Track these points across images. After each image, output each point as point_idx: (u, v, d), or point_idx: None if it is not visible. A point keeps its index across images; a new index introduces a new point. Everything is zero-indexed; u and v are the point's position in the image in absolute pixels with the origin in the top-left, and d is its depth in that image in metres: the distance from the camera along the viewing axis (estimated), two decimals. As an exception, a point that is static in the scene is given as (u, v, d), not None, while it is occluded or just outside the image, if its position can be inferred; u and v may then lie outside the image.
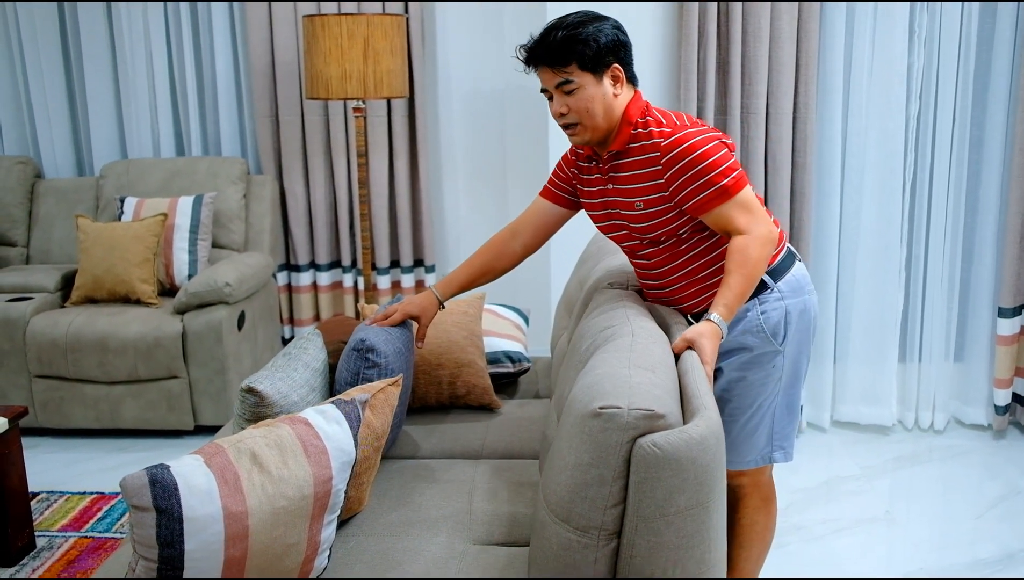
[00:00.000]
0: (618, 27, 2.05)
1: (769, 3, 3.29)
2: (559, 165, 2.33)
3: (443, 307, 2.40)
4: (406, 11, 3.96)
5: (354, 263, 4.25)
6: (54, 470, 3.46)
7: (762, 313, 2.09)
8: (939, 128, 3.48)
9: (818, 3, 3.30)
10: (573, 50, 1.98)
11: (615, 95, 2.05)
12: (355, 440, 1.73)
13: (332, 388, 2.34)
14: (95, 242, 3.73)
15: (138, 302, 3.75)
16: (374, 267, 4.16)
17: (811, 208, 3.45)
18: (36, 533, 2.93)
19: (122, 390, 3.59)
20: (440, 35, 4.13)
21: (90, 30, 4.20)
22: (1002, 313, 3.51)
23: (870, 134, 3.50)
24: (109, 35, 4.22)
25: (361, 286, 4.20)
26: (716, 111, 3.41)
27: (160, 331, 3.52)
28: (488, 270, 2.37)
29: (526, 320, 3.19)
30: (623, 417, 1.50)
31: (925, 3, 3.38)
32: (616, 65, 2.04)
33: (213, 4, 4.12)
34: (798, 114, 3.40)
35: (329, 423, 1.71)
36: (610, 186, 2.14)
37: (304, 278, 4.26)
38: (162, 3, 4.16)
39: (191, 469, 1.51)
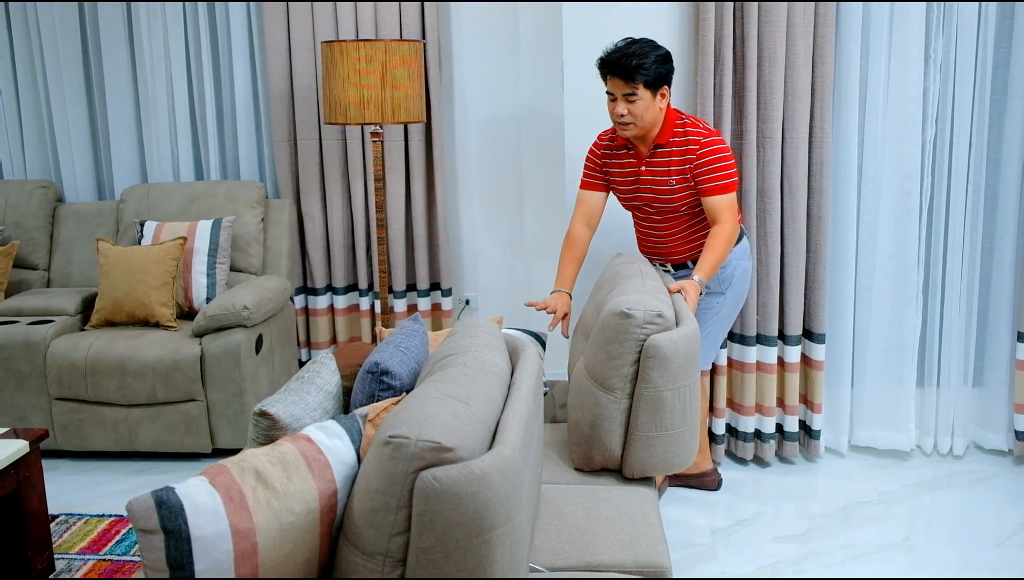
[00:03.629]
0: (669, 58, 2.85)
1: (784, 29, 3.29)
2: (592, 160, 3.13)
3: (570, 298, 3.07)
4: (423, 35, 4.00)
5: (371, 286, 4.28)
6: (73, 492, 3.48)
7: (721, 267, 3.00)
8: (955, 152, 3.48)
9: (833, 29, 3.31)
10: (642, 73, 2.78)
11: (660, 108, 2.88)
12: (357, 453, 1.74)
13: (347, 411, 2.35)
14: (115, 266, 3.77)
15: (157, 325, 3.78)
16: (391, 290, 4.18)
17: (827, 232, 3.45)
18: (55, 556, 2.95)
19: (140, 413, 3.61)
20: (457, 60, 4.17)
21: (111, 56, 4.26)
22: (1022, 338, 3.48)
23: (886, 158, 3.50)
24: (130, 60, 4.29)
25: (378, 309, 4.21)
26: (732, 136, 3.42)
27: (178, 354, 3.55)
28: (582, 260, 3.13)
29: (543, 344, 3.19)
30: (410, 447, 1.52)
31: (943, 3, 3.38)
32: (666, 87, 2.87)
33: (233, 29, 4.18)
34: (814, 139, 3.40)
35: (331, 438, 1.72)
36: (643, 168, 2.97)
37: (321, 301, 4.29)
38: (182, 29, 4.22)
39: (196, 489, 1.52)
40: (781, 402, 3.61)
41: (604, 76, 2.88)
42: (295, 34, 4.04)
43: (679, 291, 2.72)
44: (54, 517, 3.23)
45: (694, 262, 3.05)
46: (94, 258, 4.13)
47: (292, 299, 4.22)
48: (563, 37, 3.48)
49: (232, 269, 4.05)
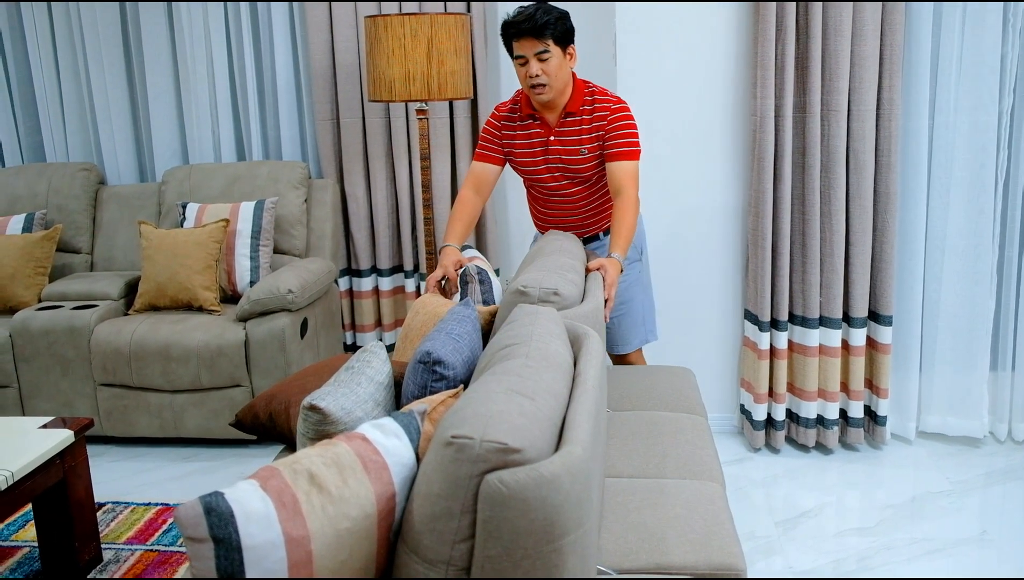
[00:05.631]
0: (569, 17, 2.82)
1: (851, -6, 3.12)
2: (489, 132, 3.03)
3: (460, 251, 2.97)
4: (468, 10, 3.86)
5: (416, 268, 4.17)
6: (119, 479, 3.44)
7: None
8: (1034, 123, 3.28)
9: (904, -7, 3.13)
10: (553, 28, 2.75)
11: (570, 70, 2.87)
12: (416, 453, 1.64)
13: (398, 402, 2.25)
14: (158, 249, 3.70)
15: (200, 309, 3.71)
16: (437, 272, 4.07)
17: (896, 208, 3.27)
18: (102, 546, 2.90)
19: (185, 398, 3.55)
20: (503, 34, 4.02)
21: (152, 36, 4.19)
22: (1103, 319, 3.30)
23: (959, 131, 3.31)
24: (170, 41, 4.21)
25: (424, 291, 4.11)
26: (795, 108, 3.25)
27: (223, 339, 3.48)
28: (472, 223, 3.05)
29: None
30: (474, 449, 1.40)
31: (1019, -10, 3.18)
32: (572, 46, 2.84)
33: (273, 7, 4.08)
34: (882, 111, 3.22)
35: (388, 437, 1.62)
36: (552, 138, 2.92)
37: (366, 283, 4.20)
38: (223, 6, 4.12)
39: (247, 494, 1.43)
40: (845, 387, 3.45)
41: (510, 42, 2.82)
42: (337, 10, 3.92)
43: (599, 269, 2.69)
44: (100, 505, 3.18)
45: (606, 233, 3.08)
46: (136, 241, 4.07)
47: (336, 281, 4.13)
48: (616, 9, 3.33)
49: (275, 251, 3.97)
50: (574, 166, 2.92)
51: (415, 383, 2.11)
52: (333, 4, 3.91)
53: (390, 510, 1.53)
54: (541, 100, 2.85)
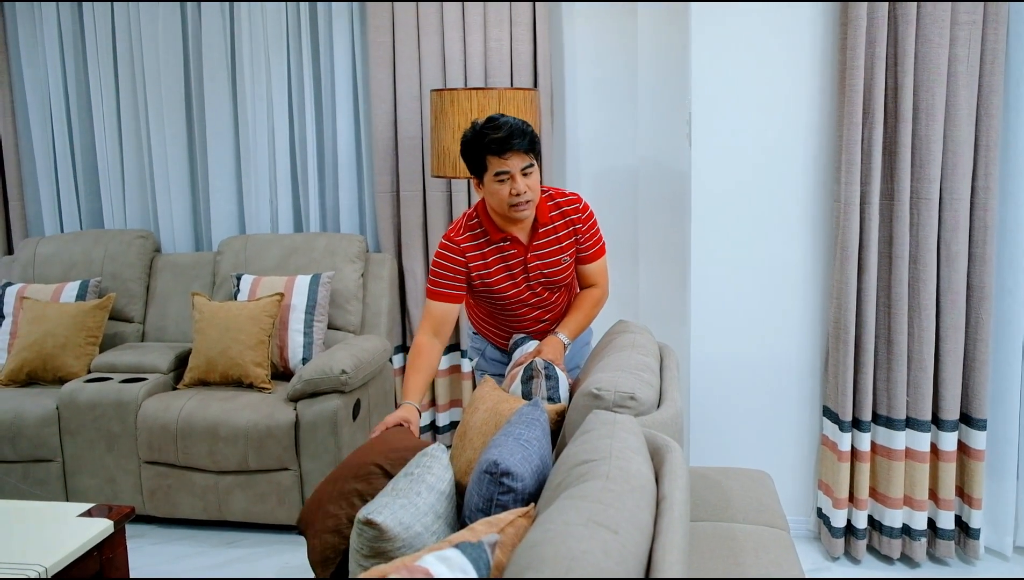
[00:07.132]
0: None
1: (944, 78, 2.94)
2: (449, 268, 2.69)
3: (420, 413, 2.65)
4: (535, 84, 3.76)
5: (473, 347, 4.02)
6: (159, 565, 3.28)
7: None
8: None
9: (1001, 78, 2.94)
10: (535, 144, 2.59)
11: None
12: None
13: (460, 513, 2.07)
14: (210, 322, 3.60)
15: (251, 386, 3.59)
16: (494, 352, 3.91)
17: (990, 304, 3.05)
18: (137, 642, 2.74)
19: (231, 480, 3.41)
20: (569, 110, 3.92)
21: (214, 105, 4.15)
22: None
23: (1060, 222, 3.09)
24: (233, 109, 4.17)
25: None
26: (882, 196, 3.07)
27: (272, 419, 3.34)
28: (433, 373, 2.74)
29: None
30: None
31: None
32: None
33: (337, 77, 4.02)
34: (976, 200, 3.02)
35: (453, 571, 1.44)
36: (530, 254, 2.72)
37: (420, 362, 4.04)
38: (286, 77, 4.08)
39: None
40: (933, 494, 3.19)
41: (484, 158, 2.54)
42: (401, 82, 3.85)
43: (544, 356, 2.59)
44: (138, 594, 3.03)
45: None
46: (189, 312, 3.98)
47: (391, 359, 3.99)
48: (691, 87, 3.19)
49: (329, 327, 3.85)
50: (556, 278, 2.78)
51: (480, 495, 1.94)
52: (397, 76, 3.84)
53: (455, 663, 1.35)
54: (523, 217, 2.62)
